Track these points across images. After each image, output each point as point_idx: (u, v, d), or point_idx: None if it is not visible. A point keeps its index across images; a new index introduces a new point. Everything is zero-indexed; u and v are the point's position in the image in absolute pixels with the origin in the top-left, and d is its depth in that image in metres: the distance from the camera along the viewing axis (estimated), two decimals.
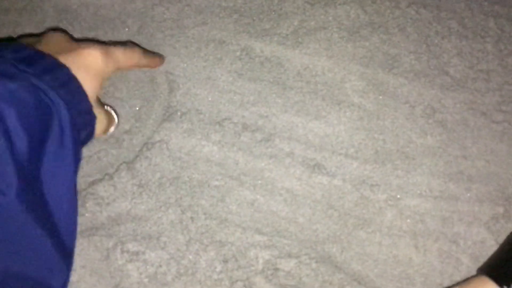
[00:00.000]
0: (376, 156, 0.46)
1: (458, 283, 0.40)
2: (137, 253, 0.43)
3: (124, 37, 0.50)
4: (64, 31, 0.39)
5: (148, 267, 0.42)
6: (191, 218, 0.44)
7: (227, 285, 0.42)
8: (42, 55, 0.34)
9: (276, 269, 0.43)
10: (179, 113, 0.47)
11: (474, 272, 0.42)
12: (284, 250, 0.43)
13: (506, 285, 0.36)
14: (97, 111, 0.38)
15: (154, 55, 0.47)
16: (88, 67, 0.37)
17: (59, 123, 0.32)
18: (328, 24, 0.50)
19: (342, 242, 0.44)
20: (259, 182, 0.45)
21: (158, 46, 0.49)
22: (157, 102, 0.47)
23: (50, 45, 0.37)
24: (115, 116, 0.42)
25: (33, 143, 0.30)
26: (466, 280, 0.40)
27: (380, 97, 0.48)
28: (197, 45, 0.49)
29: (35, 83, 0.32)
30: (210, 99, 0.48)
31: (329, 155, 0.46)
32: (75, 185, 0.34)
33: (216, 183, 0.45)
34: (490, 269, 0.38)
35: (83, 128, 0.35)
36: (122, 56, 0.41)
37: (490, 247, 0.43)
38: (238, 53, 0.49)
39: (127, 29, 0.50)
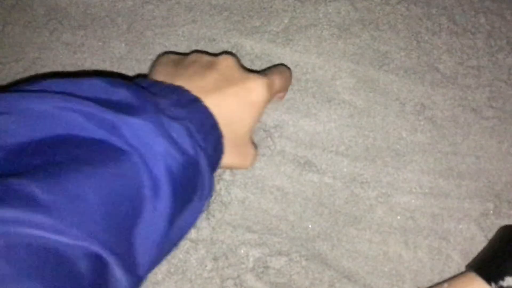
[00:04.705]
0: (366, 153, 0.46)
1: (447, 280, 0.41)
2: None
3: (114, 36, 0.49)
4: (235, 56, 0.38)
5: None
6: None
7: (217, 283, 0.42)
8: (213, 121, 0.33)
9: (267, 267, 0.43)
10: None
11: (464, 269, 0.42)
12: (274, 248, 0.43)
13: (494, 281, 0.36)
14: (246, 146, 0.37)
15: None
16: (251, 104, 0.36)
17: (201, 185, 0.31)
18: (318, 22, 0.50)
19: (333, 239, 0.44)
20: (250, 180, 0.45)
21: (148, 45, 0.49)
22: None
23: (220, 71, 0.36)
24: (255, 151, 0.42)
25: (175, 215, 0.29)
26: (455, 276, 0.41)
27: (371, 94, 0.48)
28: (187, 43, 0.49)
29: (198, 155, 0.31)
30: None
31: (320, 152, 0.46)
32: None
33: None
34: (478, 265, 0.39)
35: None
36: (279, 85, 0.40)
37: (480, 243, 0.43)
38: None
39: (116, 28, 0.50)
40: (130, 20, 0.50)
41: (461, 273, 0.40)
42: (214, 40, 0.49)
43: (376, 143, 0.46)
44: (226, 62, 0.37)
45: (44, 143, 0.25)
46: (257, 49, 0.49)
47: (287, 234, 0.44)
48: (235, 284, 0.42)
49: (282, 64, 0.46)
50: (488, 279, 0.36)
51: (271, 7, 0.50)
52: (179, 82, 0.34)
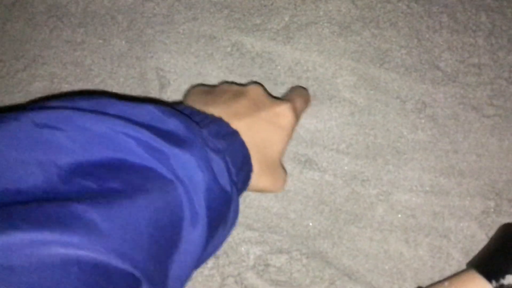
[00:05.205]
0: (367, 151, 0.46)
1: (447, 278, 0.41)
2: None
3: (114, 33, 0.49)
4: (260, 85, 0.40)
5: None
6: None
7: (218, 281, 0.42)
8: (247, 154, 0.34)
9: (267, 265, 0.43)
10: None
11: (464, 267, 0.42)
12: (275, 246, 0.43)
13: (494, 279, 0.36)
14: (277, 170, 0.38)
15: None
16: (281, 128, 0.37)
17: (230, 216, 0.32)
18: (319, 19, 0.50)
19: (333, 237, 0.44)
20: None
21: (149, 42, 0.49)
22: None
23: (251, 98, 0.37)
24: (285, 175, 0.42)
25: (208, 238, 0.30)
26: (456, 274, 0.40)
27: (371, 92, 0.47)
28: (188, 41, 0.49)
29: (233, 191, 0.31)
30: None
31: (320, 150, 0.46)
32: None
33: None
34: (479, 263, 0.39)
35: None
36: (301, 107, 0.42)
37: (481, 241, 0.43)
38: (229, 49, 0.49)
39: (117, 25, 0.50)
40: (130, 17, 0.50)
41: (462, 271, 0.40)
42: (214, 37, 0.49)
43: (377, 141, 0.46)
44: (255, 90, 0.38)
45: (99, 166, 0.25)
46: (258, 47, 0.49)
47: (288, 232, 0.44)
48: (236, 282, 0.42)
49: (299, 86, 0.47)
50: (489, 277, 0.36)
51: (271, 4, 0.50)
52: (213, 108, 0.36)
